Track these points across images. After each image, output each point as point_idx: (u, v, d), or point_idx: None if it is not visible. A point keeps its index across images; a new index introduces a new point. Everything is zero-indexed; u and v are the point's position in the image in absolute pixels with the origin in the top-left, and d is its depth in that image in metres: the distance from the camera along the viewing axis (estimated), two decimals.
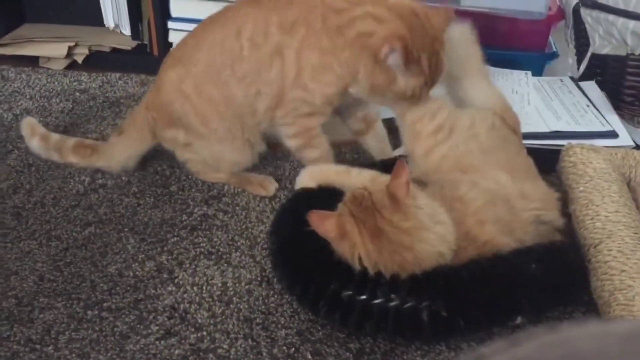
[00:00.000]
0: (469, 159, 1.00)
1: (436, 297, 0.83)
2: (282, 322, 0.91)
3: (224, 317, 0.92)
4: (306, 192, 1.06)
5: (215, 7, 1.47)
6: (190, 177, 1.22)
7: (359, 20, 1.02)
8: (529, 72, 1.52)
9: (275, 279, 0.98)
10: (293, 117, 1.11)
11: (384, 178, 0.93)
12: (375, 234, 0.84)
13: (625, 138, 1.27)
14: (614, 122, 1.32)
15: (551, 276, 0.88)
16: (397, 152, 1.22)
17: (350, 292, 0.84)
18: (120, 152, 1.21)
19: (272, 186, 1.19)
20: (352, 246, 0.86)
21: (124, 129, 1.22)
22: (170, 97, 1.14)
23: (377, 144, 1.23)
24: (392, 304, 0.83)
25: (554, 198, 0.99)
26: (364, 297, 0.84)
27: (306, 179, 1.07)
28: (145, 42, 1.65)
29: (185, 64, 1.13)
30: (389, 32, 0.99)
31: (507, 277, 0.86)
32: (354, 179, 1.01)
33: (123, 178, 1.22)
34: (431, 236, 0.85)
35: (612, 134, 1.28)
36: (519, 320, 0.85)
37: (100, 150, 1.22)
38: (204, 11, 1.57)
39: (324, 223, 0.86)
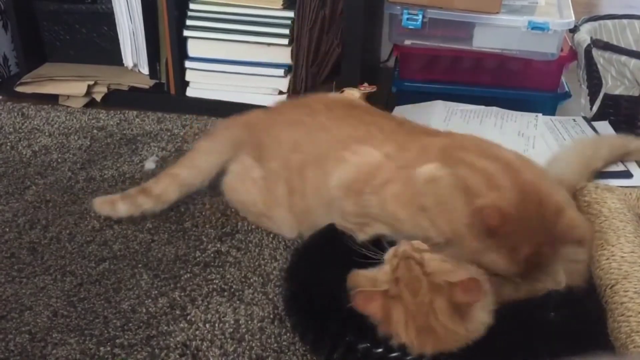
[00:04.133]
0: None
1: (452, 351, 0.81)
2: None
3: (235, 355, 0.92)
4: (320, 236, 1.05)
5: (232, 47, 1.51)
6: (204, 213, 1.23)
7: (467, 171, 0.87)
8: (540, 115, 1.52)
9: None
10: None
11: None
12: (425, 330, 0.80)
13: (639, 178, 1.26)
14: (628, 161, 1.32)
15: (569, 323, 0.86)
16: None
17: (367, 345, 0.83)
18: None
19: None
20: (395, 332, 0.81)
21: None
22: None
23: None
24: (409, 357, 0.81)
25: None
26: (380, 350, 0.82)
27: None
28: (163, 81, 1.69)
29: None
30: (495, 200, 0.82)
31: (523, 325, 0.85)
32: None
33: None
34: (480, 328, 0.81)
35: (627, 174, 1.27)
36: None
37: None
38: (221, 51, 1.62)
39: (368, 306, 0.80)
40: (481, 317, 0.81)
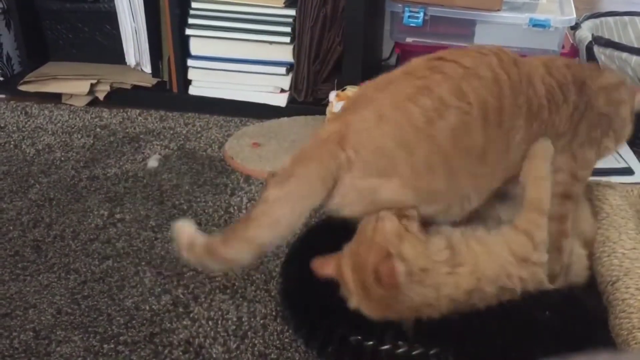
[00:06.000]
0: None
1: (446, 345, 0.81)
2: (297, 358, 0.91)
3: (238, 352, 0.92)
4: (317, 231, 1.05)
5: (234, 46, 1.51)
6: (206, 211, 1.24)
7: None
8: None
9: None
10: None
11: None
12: (366, 290, 0.80)
13: None
14: (630, 159, 1.32)
15: (567, 324, 0.86)
16: None
17: (359, 337, 0.84)
18: None
19: None
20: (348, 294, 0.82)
21: None
22: None
23: None
24: (400, 350, 0.82)
25: None
26: (371, 342, 0.83)
27: None
28: (165, 80, 1.69)
29: None
30: None
31: (519, 325, 0.84)
32: None
33: (141, 212, 1.23)
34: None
35: (628, 171, 1.28)
36: None
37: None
38: (223, 50, 1.62)
39: (323, 271, 0.84)
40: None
